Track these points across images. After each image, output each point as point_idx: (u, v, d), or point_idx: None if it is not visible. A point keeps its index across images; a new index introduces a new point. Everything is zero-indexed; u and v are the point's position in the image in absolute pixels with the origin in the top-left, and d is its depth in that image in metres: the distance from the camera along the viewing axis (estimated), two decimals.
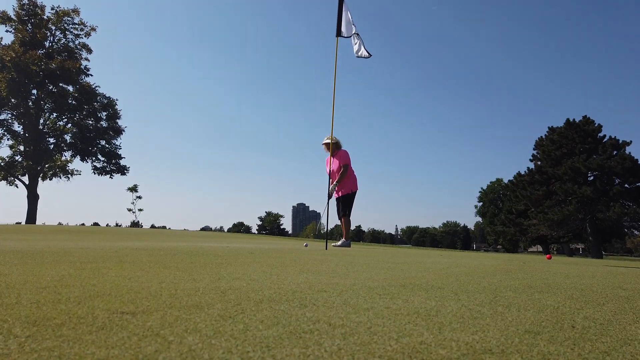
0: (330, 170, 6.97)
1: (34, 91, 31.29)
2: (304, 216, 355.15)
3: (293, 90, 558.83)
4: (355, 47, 6.10)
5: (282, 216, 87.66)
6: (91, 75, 33.53)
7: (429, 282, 2.08)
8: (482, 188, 71.41)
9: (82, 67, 32.25)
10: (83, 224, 31.92)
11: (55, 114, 32.78)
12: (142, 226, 38.57)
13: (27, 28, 30.86)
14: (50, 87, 31.14)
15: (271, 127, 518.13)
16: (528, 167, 36.46)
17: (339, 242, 7.01)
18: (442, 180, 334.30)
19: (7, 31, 30.90)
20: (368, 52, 6.09)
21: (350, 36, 6.11)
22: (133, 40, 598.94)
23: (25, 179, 31.35)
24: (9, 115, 31.03)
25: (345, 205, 7.00)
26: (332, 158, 7.00)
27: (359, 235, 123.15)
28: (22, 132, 31.50)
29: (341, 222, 7.14)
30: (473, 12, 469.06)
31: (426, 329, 1.10)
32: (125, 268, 2.06)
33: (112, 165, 34.24)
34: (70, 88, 32.26)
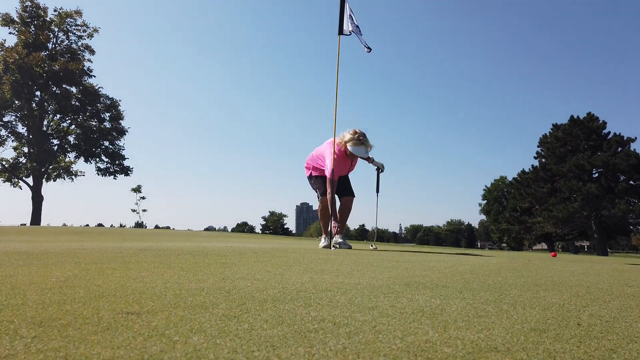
0: (347, 171, 5.78)
1: (38, 93, 31.46)
2: (308, 216, 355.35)
3: (295, 89, 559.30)
4: (362, 42, 6.00)
5: (285, 216, 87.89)
6: (94, 76, 33.71)
7: (434, 281, 2.08)
8: (486, 186, 71.22)
9: (85, 68, 32.38)
10: (87, 225, 32.06)
11: (58, 116, 32.93)
12: (146, 227, 38.68)
13: (30, 30, 31.01)
14: (53, 89, 31.30)
15: (274, 127, 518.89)
16: (532, 165, 36.48)
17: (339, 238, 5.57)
18: (446, 178, 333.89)
19: (10, 33, 31.10)
20: (368, 47, 6.02)
21: (351, 32, 6.03)
22: (136, 41, 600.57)
23: (30, 180, 31.52)
24: (13, 117, 31.22)
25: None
26: (353, 162, 5.74)
27: (363, 234, 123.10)
28: (26, 134, 31.68)
29: (350, 203, 5.74)
30: (476, 9, 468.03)
31: (431, 327, 1.10)
32: (130, 268, 2.06)
33: (116, 166, 34.37)
34: (74, 89, 32.41)
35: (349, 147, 5.31)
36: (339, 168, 5.42)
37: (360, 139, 5.31)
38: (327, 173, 5.41)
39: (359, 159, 5.77)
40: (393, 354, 0.85)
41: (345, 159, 5.48)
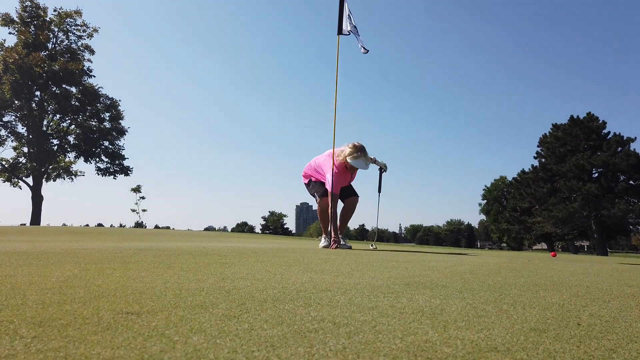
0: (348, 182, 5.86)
1: (38, 93, 31.48)
2: (308, 215, 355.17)
3: (295, 89, 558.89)
4: (359, 43, 6.02)
5: (285, 215, 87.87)
6: (94, 76, 33.75)
7: (434, 281, 2.08)
8: (486, 186, 71.17)
9: (84, 68, 32.41)
10: (87, 225, 32.05)
11: (58, 116, 32.95)
12: (146, 227, 38.67)
13: (30, 30, 31.03)
14: (53, 89, 31.31)
15: (274, 127, 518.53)
16: (532, 165, 36.48)
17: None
18: (446, 178, 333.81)
19: (10, 33, 31.15)
20: (365, 48, 6.02)
21: (349, 32, 6.03)
22: (135, 41, 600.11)
23: (30, 180, 31.53)
24: (13, 117, 31.25)
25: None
26: (353, 174, 5.81)
27: (363, 234, 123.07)
28: (25, 134, 31.69)
29: (354, 203, 5.82)
30: (476, 9, 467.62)
31: (431, 327, 1.10)
32: (129, 268, 2.06)
33: (116, 166, 34.39)
34: (74, 89, 32.43)
35: (349, 160, 5.41)
36: (340, 182, 5.51)
37: (359, 154, 5.43)
38: (328, 187, 5.48)
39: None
40: (393, 354, 0.85)
41: (345, 173, 5.56)
